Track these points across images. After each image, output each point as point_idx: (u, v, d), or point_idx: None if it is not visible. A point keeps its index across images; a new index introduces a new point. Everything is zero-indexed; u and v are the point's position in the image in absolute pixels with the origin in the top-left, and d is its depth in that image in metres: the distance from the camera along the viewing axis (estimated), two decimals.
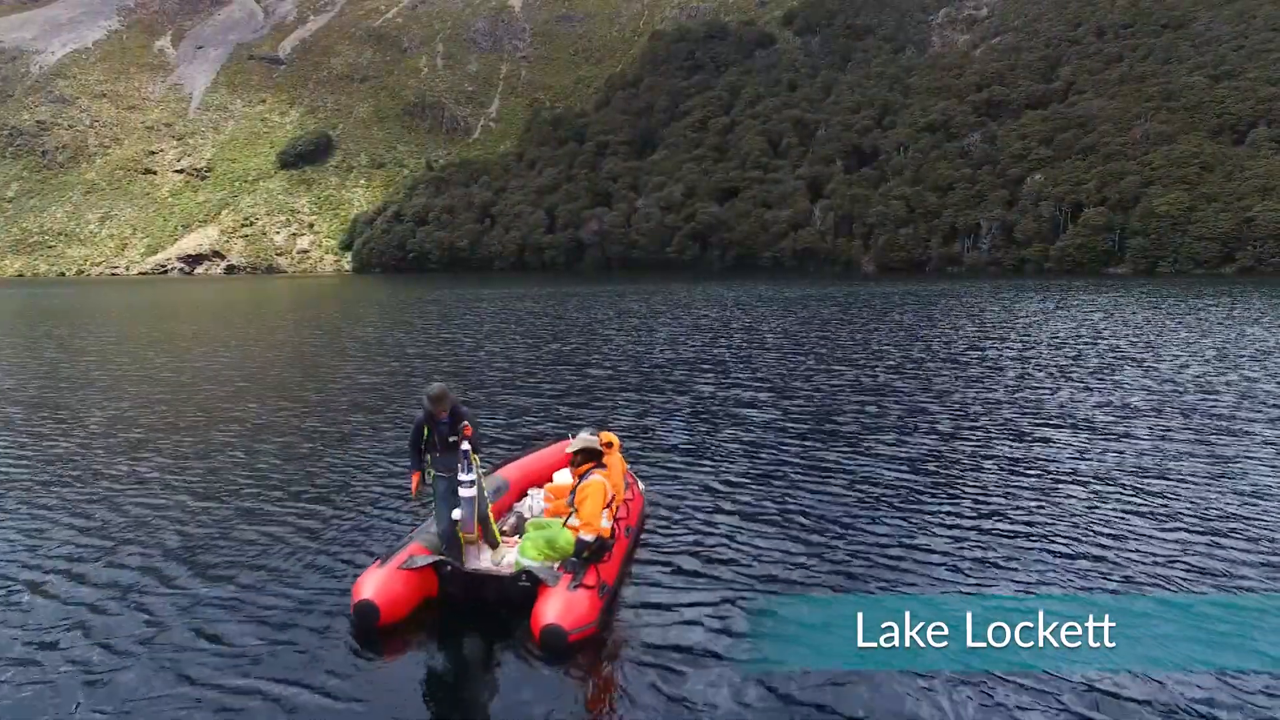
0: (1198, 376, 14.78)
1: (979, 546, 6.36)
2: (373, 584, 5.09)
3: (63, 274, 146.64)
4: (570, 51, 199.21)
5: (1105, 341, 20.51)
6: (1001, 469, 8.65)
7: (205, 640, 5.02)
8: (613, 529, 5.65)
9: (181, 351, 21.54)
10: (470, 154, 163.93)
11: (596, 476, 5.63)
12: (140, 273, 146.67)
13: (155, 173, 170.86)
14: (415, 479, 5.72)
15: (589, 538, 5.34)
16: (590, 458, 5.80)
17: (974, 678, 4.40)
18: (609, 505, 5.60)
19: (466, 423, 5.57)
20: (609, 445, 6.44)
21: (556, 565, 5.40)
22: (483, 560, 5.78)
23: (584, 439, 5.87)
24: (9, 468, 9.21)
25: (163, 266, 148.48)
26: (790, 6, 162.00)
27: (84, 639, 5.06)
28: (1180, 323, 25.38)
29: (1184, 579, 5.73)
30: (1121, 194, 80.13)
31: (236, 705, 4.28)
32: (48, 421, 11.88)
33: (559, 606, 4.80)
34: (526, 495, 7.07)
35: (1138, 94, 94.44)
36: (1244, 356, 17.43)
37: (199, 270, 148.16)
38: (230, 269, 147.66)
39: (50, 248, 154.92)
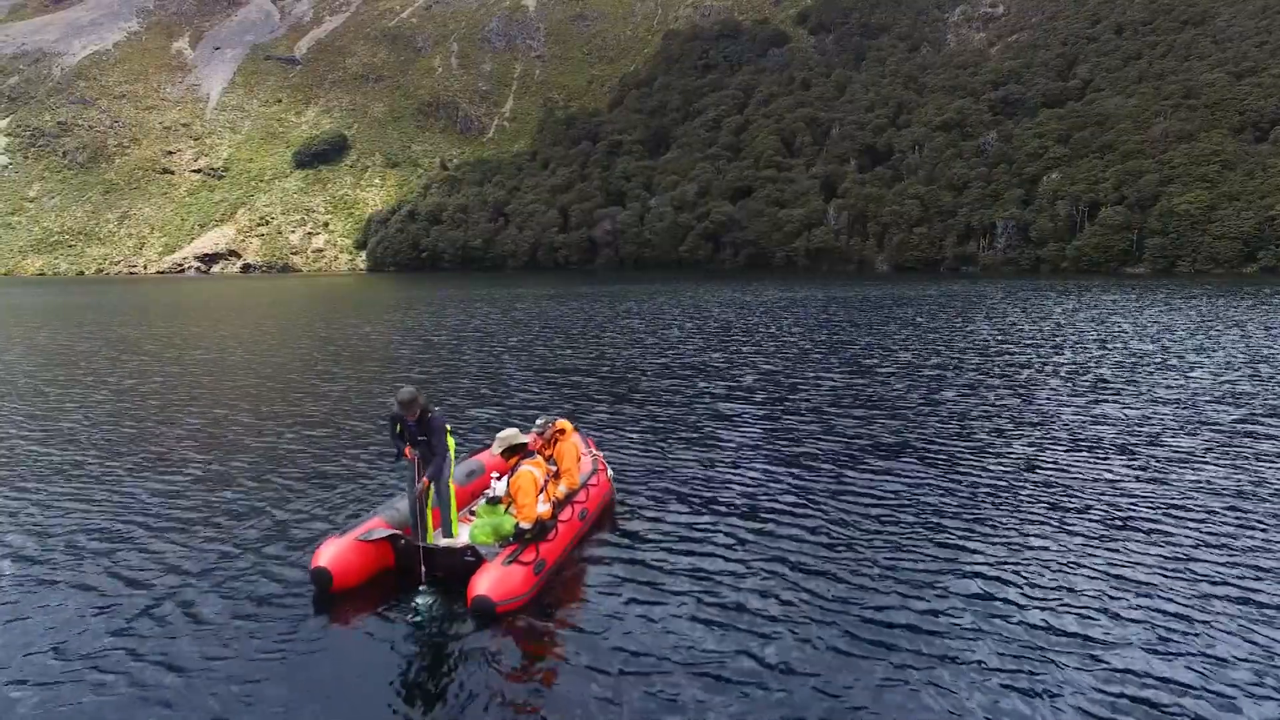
0: (1217, 381, 14.53)
1: (979, 546, 6.27)
2: (329, 553, 5.56)
3: (81, 273, 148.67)
4: (584, 51, 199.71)
5: (1097, 342, 20.24)
6: (1003, 469, 8.54)
7: (173, 596, 5.51)
8: (555, 510, 6.05)
9: (187, 346, 21.75)
10: (484, 153, 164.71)
11: (525, 467, 5.99)
12: (158, 271, 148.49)
13: (173, 172, 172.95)
14: (407, 450, 6.03)
15: (525, 525, 5.68)
16: (516, 451, 6.18)
17: (974, 677, 4.30)
18: (544, 489, 6.03)
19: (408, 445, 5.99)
20: (561, 432, 6.66)
21: (497, 543, 5.85)
22: (437, 537, 6.23)
23: (503, 437, 6.19)
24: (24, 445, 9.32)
25: (180, 265, 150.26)
26: (804, 5, 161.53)
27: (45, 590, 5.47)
28: (1200, 326, 24.99)
29: (1184, 580, 5.62)
30: (1140, 193, 79.16)
31: (185, 647, 4.81)
32: (94, 387, 12.04)
33: (492, 580, 5.19)
34: (494, 479, 7.42)
35: (1157, 91, 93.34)
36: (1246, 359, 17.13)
37: (215, 269, 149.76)
38: (246, 268, 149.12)
39: (70, 247, 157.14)
